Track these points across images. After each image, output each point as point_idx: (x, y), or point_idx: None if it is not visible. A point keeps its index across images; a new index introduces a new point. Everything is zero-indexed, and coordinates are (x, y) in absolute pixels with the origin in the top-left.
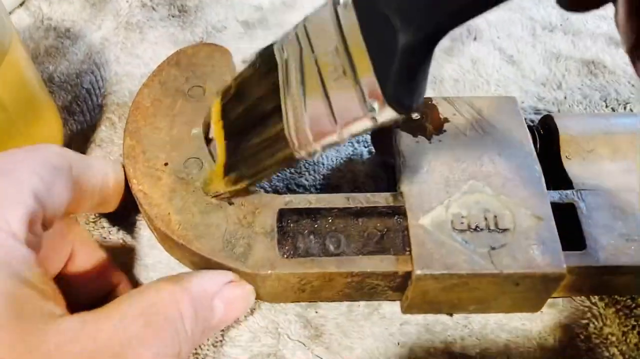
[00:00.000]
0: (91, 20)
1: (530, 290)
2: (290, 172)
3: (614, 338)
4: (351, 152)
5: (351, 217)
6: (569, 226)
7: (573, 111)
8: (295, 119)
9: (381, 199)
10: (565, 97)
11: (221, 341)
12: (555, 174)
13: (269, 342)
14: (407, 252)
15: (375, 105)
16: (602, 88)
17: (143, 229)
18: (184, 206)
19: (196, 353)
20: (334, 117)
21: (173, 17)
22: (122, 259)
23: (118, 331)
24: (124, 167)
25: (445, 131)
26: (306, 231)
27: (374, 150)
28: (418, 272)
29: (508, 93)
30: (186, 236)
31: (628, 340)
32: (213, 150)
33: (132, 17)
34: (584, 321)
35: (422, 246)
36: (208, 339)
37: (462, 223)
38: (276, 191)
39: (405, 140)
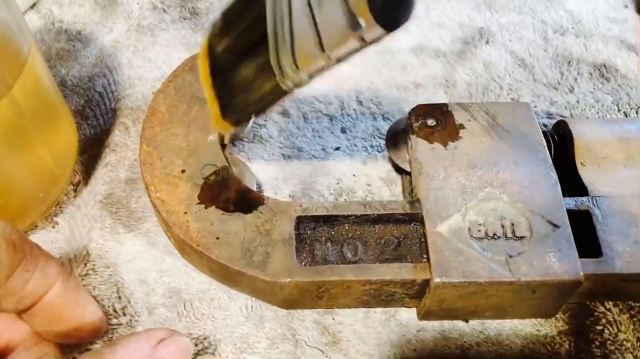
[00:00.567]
0: (102, 23)
1: (547, 297)
2: (306, 177)
3: (629, 344)
4: (365, 156)
5: (368, 224)
6: (585, 233)
7: (585, 115)
8: (280, 46)
9: (398, 206)
10: (577, 101)
11: (240, 347)
12: (570, 181)
13: (287, 349)
14: (425, 260)
15: (362, 22)
16: (614, 92)
17: (160, 235)
18: (202, 213)
19: None
20: (320, 40)
21: (184, 19)
22: (139, 265)
23: None
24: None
25: (461, 137)
26: (323, 238)
27: (388, 154)
28: (437, 280)
29: (520, 97)
30: (205, 243)
31: None
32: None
33: (143, 20)
34: (599, 327)
35: (440, 254)
36: (227, 346)
37: (479, 231)
38: (291, 196)
39: (421, 146)
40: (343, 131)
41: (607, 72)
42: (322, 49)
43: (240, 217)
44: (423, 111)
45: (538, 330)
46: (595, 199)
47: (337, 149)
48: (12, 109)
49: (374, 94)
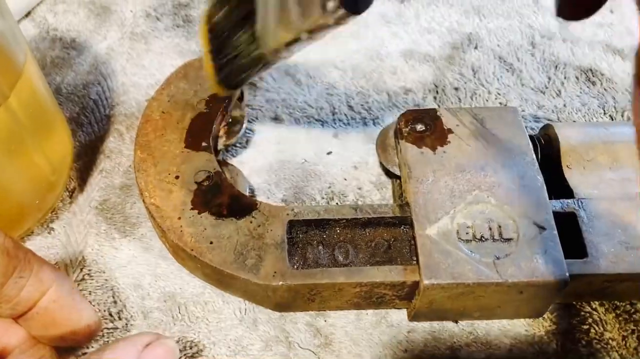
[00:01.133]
0: (96, 31)
1: (534, 298)
2: (298, 181)
3: (614, 343)
4: (357, 161)
5: (359, 227)
6: (571, 235)
7: (572, 118)
8: (265, 20)
9: (388, 209)
10: (564, 105)
11: (234, 350)
12: (557, 183)
13: (280, 351)
14: (415, 262)
15: (331, 5)
16: (600, 96)
17: (155, 240)
18: (195, 218)
19: None
20: (296, 16)
21: (178, 27)
22: (134, 269)
23: None
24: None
25: (449, 142)
26: (315, 242)
27: (378, 159)
28: (426, 282)
29: (508, 101)
30: (199, 248)
31: (628, 344)
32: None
33: (137, 27)
34: (585, 327)
35: (429, 256)
36: (221, 348)
37: (467, 233)
38: (284, 201)
39: (411, 151)
40: (335, 135)
41: (593, 76)
42: (297, 25)
43: (233, 222)
44: (412, 116)
45: (526, 330)
46: (581, 202)
47: (329, 153)
48: (8, 117)
49: (364, 99)
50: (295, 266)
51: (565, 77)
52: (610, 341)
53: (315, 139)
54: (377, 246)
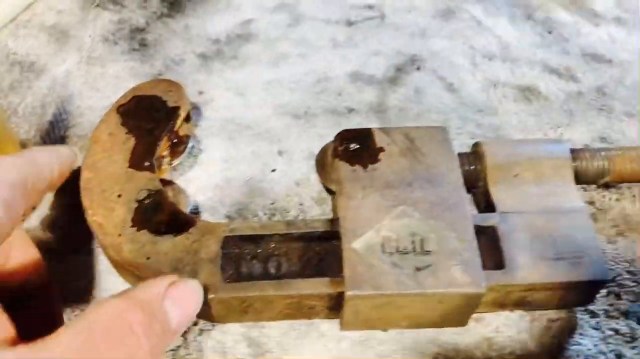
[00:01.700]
0: (55, 54)
1: (453, 307)
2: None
3: (536, 351)
4: (299, 178)
5: (292, 241)
6: (491, 247)
7: (509, 136)
8: None
9: (320, 224)
10: (501, 123)
11: None
12: (483, 198)
13: None
14: (342, 275)
15: None
16: (536, 113)
17: (101, 254)
18: (134, 235)
19: None
20: None
21: (134, 50)
22: (82, 284)
23: None
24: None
25: (380, 159)
26: (249, 256)
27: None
28: (349, 293)
29: (448, 120)
30: (136, 263)
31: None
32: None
33: (94, 52)
34: (510, 334)
35: (353, 269)
36: None
37: (391, 246)
38: (228, 217)
39: (343, 168)
40: (280, 153)
41: (530, 94)
42: None
43: (170, 239)
44: (348, 135)
45: (453, 338)
46: (503, 215)
47: (273, 171)
48: None
49: (310, 119)
50: (228, 280)
51: (503, 96)
52: (532, 349)
53: (260, 157)
54: (309, 259)
